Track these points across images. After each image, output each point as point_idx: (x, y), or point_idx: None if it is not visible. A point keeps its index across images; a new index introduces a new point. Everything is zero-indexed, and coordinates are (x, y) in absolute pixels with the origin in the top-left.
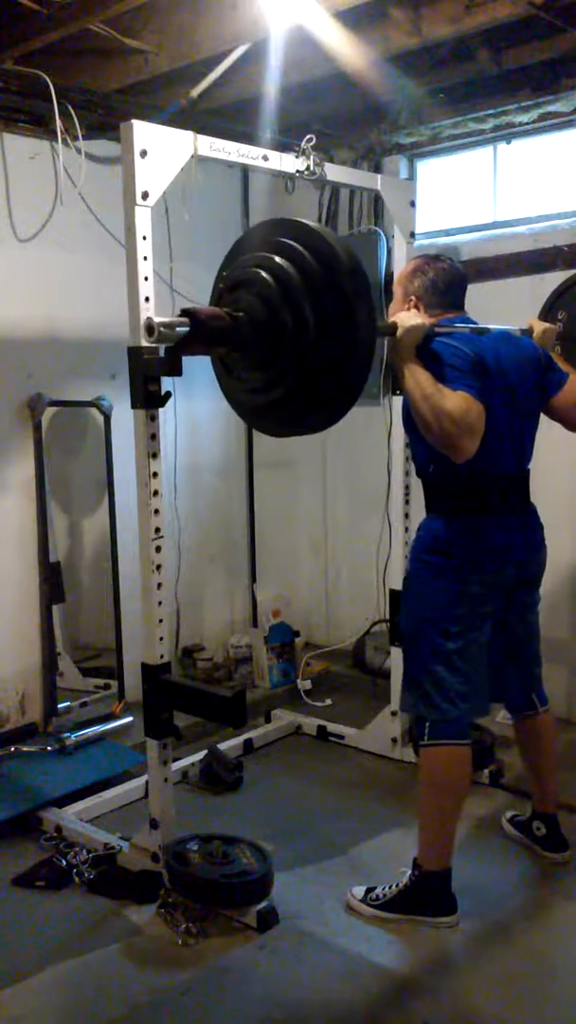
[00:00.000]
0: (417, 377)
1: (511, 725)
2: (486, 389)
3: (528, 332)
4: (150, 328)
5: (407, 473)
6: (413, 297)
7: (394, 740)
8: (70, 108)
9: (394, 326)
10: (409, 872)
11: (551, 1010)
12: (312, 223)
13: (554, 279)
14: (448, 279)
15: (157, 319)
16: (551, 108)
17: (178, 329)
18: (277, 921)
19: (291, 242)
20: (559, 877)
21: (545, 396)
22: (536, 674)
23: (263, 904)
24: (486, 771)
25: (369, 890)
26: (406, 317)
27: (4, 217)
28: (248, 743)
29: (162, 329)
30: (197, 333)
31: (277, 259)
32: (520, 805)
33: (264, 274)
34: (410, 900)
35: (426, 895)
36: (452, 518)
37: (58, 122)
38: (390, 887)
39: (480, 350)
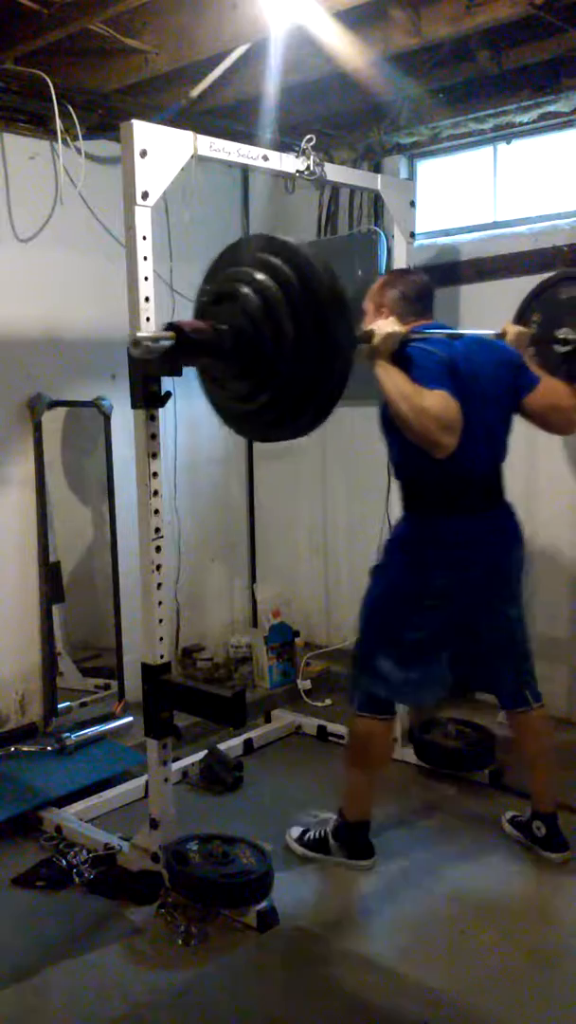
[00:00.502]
0: (395, 380)
1: (513, 725)
2: (459, 391)
3: (502, 336)
4: (136, 343)
5: None
6: (385, 308)
7: (394, 740)
8: (70, 108)
9: (371, 334)
10: (334, 819)
11: (551, 1011)
12: (294, 241)
13: None
14: (417, 290)
15: (141, 334)
16: (551, 108)
17: (163, 342)
18: (277, 921)
19: (273, 259)
20: (559, 877)
21: (518, 398)
22: (525, 670)
23: (263, 904)
24: (486, 771)
25: (304, 832)
26: (383, 325)
27: (4, 217)
28: (248, 743)
29: (148, 343)
30: (182, 346)
31: (259, 275)
32: (520, 805)
33: (247, 289)
34: (333, 843)
35: (346, 840)
36: (424, 517)
37: (58, 122)
38: (321, 832)
39: (452, 354)
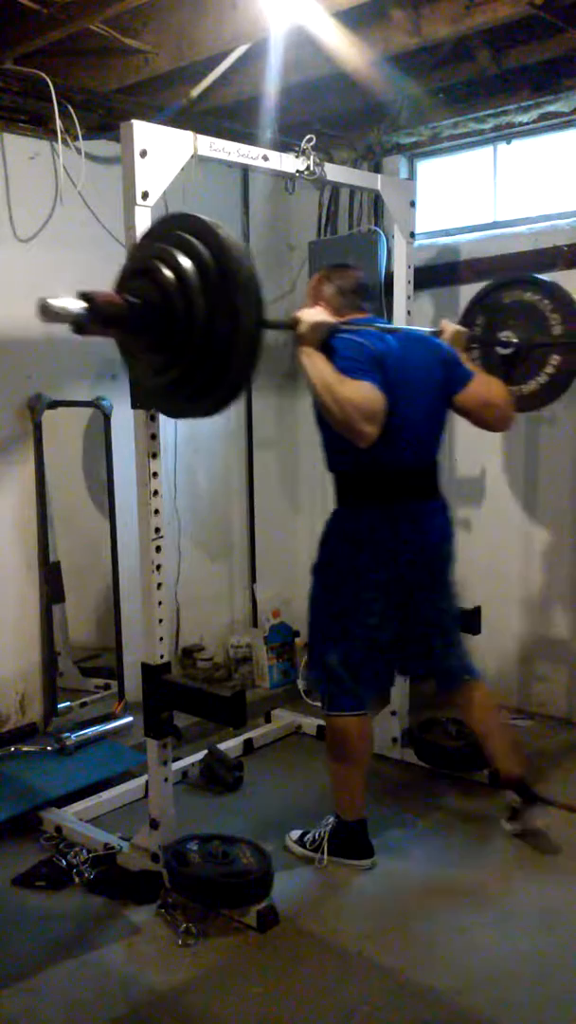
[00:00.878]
0: (318, 367)
1: (457, 705)
2: (387, 383)
3: (439, 333)
4: (44, 308)
5: None
6: (324, 301)
7: (394, 740)
8: (70, 108)
9: (296, 320)
10: (332, 820)
11: (551, 1011)
12: (209, 220)
13: (555, 279)
14: (353, 285)
15: (53, 301)
16: (551, 108)
17: (72, 309)
18: (277, 921)
19: (189, 236)
20: (560, 878)
21: (451, 394)
22: (458, 653)
23: (263, 904)
24: (486, 771)
25: (303, 834)
26: (310, 314)
27: (4, 217)
28: (248, 743)
29: (57, 310)
30: (92, 316)
31: (176, 252)
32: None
33: (160, 264)
34: (332, 844)
35: (345, 841)
36: (359, 509)
37: (58, 122)
38: (319, 833)
39: (384, 348)
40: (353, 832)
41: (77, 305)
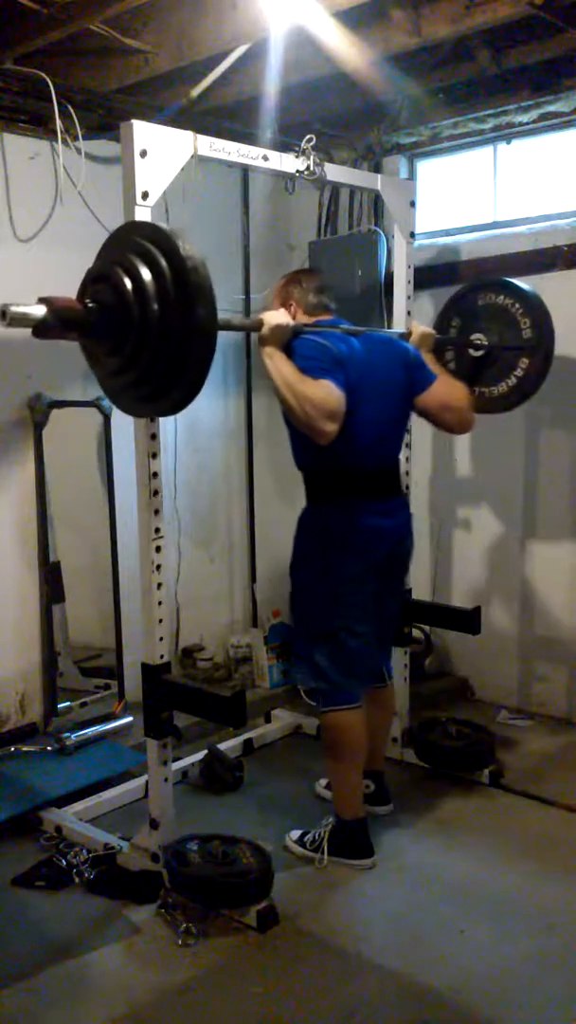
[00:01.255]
0: (280, 367)
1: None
2: (349, 384)
3: (407, 335)
4: (3, 313)
5: (407, 473)
6: (292, 303)
7: (394, 740)
8: (70, 108)
9: (260, 323)
10: (332, 819)
11: (551, 1011)
12: (166, 227)
13: (554, 279)
14: (318, 286)
15: (12, 306)
16: (551, 108)
17: (33, 314)
18: (277, 921)
19: (146, 243)
20: (560, 878)
21: (412, 396)
22: (390, 650)
23: (263, 904)
24: (486, 771)
25: (304, 834)
26: (272, 316)
27: (4, 217)
28: (248, 743)
29: (16, 315)
30: (51, 319)
31: (134, 259)
32: (522, 805)
33: (118, 269)
34: (332, 844)
35: (345, 840)
36: (326, 506)
37: (58, 122)
38: (319, 832)
39: (348, 349)
40: (353, 831)
41: (38, 310)
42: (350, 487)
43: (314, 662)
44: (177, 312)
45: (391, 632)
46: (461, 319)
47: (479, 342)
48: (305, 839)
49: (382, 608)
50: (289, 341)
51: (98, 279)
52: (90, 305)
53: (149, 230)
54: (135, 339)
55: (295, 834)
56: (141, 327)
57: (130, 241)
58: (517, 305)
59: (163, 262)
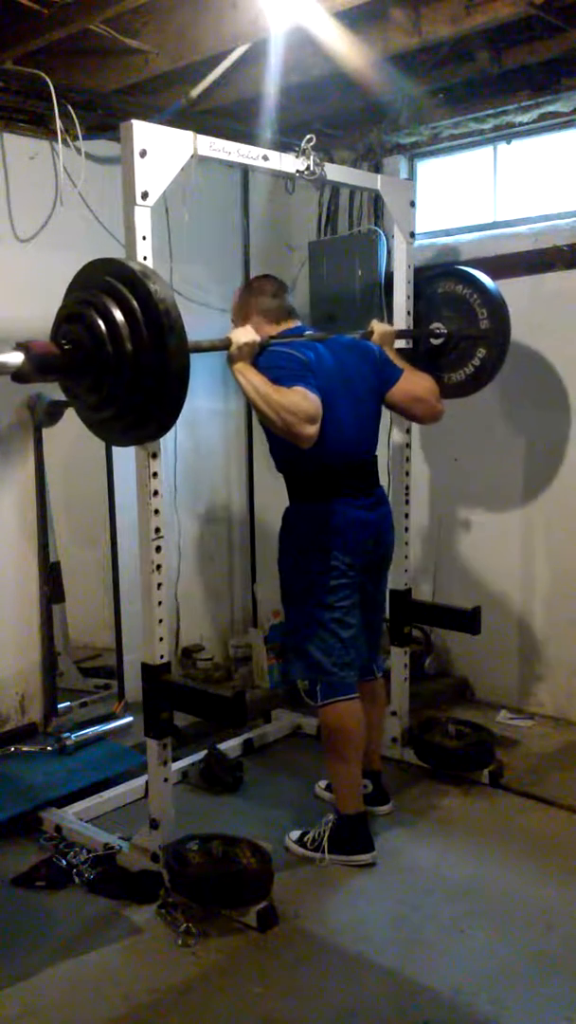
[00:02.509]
0: (252, 382)
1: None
2: (321, 387)
3: (369, 334)
4: None
5: (407, 473)
6: (253, 314)
7: (394, 740)
8: (70, 108)
9: (228, 342)
10: (332, 817)
11: (551, 1011)
12: (136, 265)
13: (554, 279)
14: (274, 291)
15: None
16: (551, 108)
17: (11, 363)
18: (277, 921)
19: (115, 281)
20: (560, 878)
21: (382, 392)
22: (380, 644)
23: (263, 904)
24: (486, 771)
25: (303, 834)
26: (240, 334)
27: (4, 217)
28: (248, 743)
29: None
30: (31, 366)
31: (103, 296)
32: (522, 805)
33: (90, 310)
34: (333, 842)
35: (346, 836)
36: (309, 504)
37: (58, 122)
38: (319, 832)
39: (312, 355)
40: (354, 825)
41: (15, 358)
42: (331, 484)
43: (308, 655)
44: (151, 353)
45: (379, 625)
46: (420, 309)
47: (438, 330)
48: (305, 839)
49: (368, 600)
50: (257, 355)
51: (71, 319)
52: (66, 347)
53: (118, 269)
54: (112, 378)
55: (295, 834)
56: (116, 366)
57: (100, 280)
58: (475, 295)
59: (135, 303)
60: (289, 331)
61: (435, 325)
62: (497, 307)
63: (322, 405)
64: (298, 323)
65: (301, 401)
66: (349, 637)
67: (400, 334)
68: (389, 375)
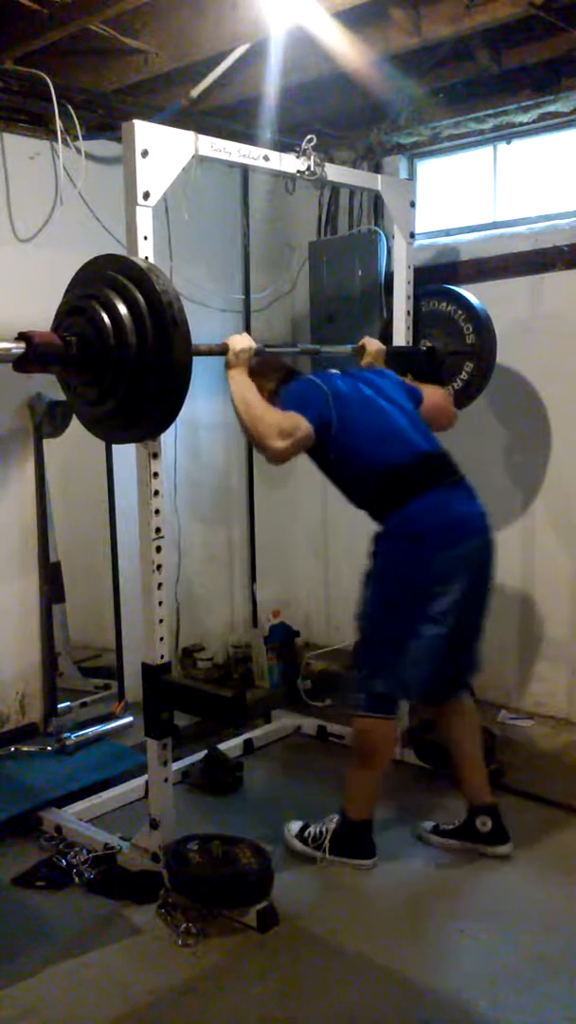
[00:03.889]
0: (240, 387)
1: (439, 713)
2: (351, 405)
3: (360, 349)
4: None
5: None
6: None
7: (396, 740)
8: (70, 108)
9: (225, 347)
10: (337, 818)
11: (551, 1011)
12: (141, 261)
13: (554, 279)
14: (275, 363)
15: None
16: (551, 108)
17: (14, 350)
18: (277, 921)
19: (121, 277)
20: (560, 879)
21: (415, 406)
22: (475, 660)
23: (263, 904)
24: (487, 771)
25: (304, 827)
26: (237, 340)
27: (4, 217)
28: (248, 743)
29: None
30: (31, 355)
31: (107, 291)
32: (522, 803)
33: (95, 303)
34: (336, 843)
35: (349, 840)
36: (401, 509)
37: (58, 122)
38: (321, 830)
39: (337, 381)
40: (358, 831)
41: (17, 346)
42: (412, 482)
43: (390, 669)
44: (154, 348)
45: (475, 640)
46: (429, 339)
47: (424, 347)
48: (306, 834)
49: (468, 608)
50: (285, 381)
51: (74, 312)
52: (69, 339)
53: (124, 265)
54: (113, 372)
55: (295, 826)
56: (119, 361)
57: (105, 275)
58: (460, 312)
59: (140, 298)
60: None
61: (422, 342)
62: (482, 323)
63: (368, 409)
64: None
65: (282, 419)
66: (438, 654)
67: (396, 350)
68: (414, 391)
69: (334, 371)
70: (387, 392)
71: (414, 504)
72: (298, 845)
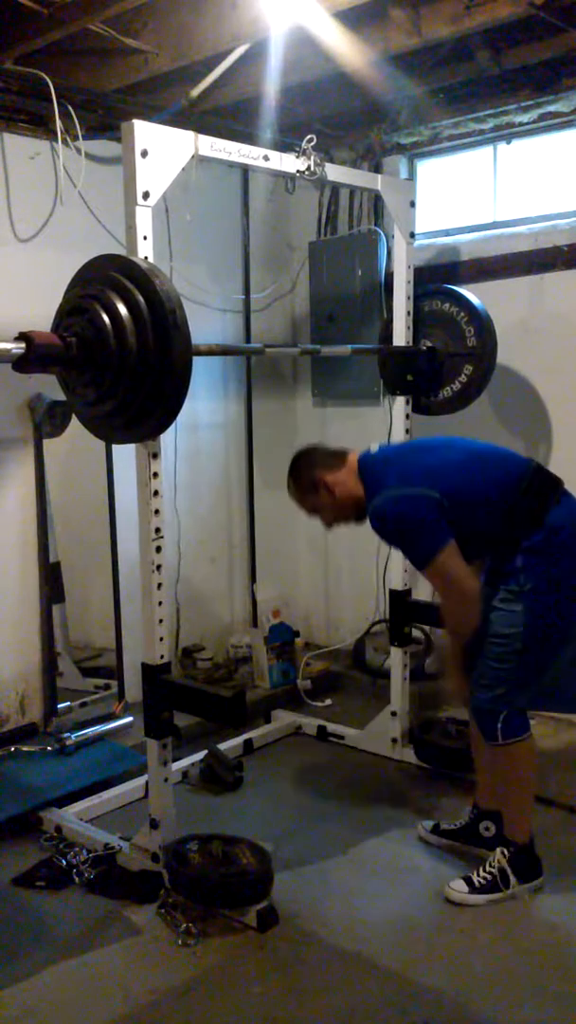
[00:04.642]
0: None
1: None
2: (447, 475)
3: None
4: None
5: None
6: (327, 485)
7: (394, 740)
8: (70, 108)
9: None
10: (504, 851)
11: (551, 1011)
12: (142, 262)
13: (554, 279)
14: (316, 448)
15: None
16: (551, 108)
17: (14, 350)
18: (277, 921)
19: (122, 277)
20: (561, 879)
21: None
22: None
23: (263, 904)
24: None
25: (467, 881)
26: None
27: (4, 217)
28: (248, 743)
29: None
30: (31, 355)
31: (108, 291)
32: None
33: (95, 304)
34: (520, 874)
35: (529, 864)
36: (540, 528)
37: (58, 122)
38: (488, 872)
39: (425, 469)
40: (531, 851)
41: (17, 346)
42: (538, 493)
43: (540, 679)
44: (155, 349)
45: None
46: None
47: (424, 347)
48: (476, 882)
49: None
50: (370, 499)
51: (74, 312)
52: (69, 339)
53: (124, 265)
54: (113, 372)
55: (460, 886)
56: (119, 361)
57: (105, 275)
58: (462, 313)
59: (140, 298)
60: (368, 465)
61: (423, 342)
62: (484, 325)
63: (450, 451)
64: (358, 453)
65: (454, 576)
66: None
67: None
68: None
69: (389, 455)
70: (451, 442)
71: (554, 514)
72: (481, 899)
